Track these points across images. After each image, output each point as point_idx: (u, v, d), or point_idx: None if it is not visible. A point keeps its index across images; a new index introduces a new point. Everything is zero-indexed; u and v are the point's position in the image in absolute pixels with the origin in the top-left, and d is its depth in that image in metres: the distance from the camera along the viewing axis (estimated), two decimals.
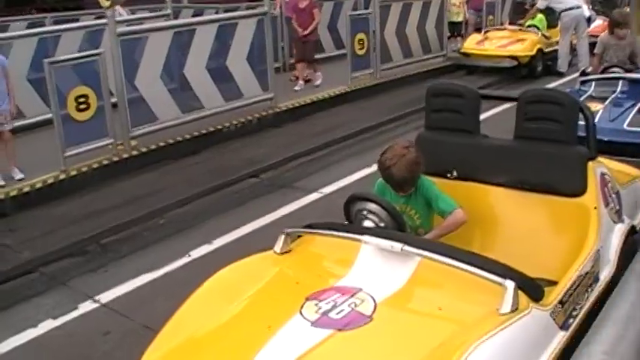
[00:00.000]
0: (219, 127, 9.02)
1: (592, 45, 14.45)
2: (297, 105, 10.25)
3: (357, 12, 13.30)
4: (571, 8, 12.89)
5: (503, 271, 2.87)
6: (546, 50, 13.44)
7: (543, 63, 13.36)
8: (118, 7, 12.68)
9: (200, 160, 8.21)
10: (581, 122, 4.03)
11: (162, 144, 8.31)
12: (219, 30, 9.29)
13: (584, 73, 10.93)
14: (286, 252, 3.41)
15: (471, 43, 13.61)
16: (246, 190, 7.12)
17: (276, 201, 6.67)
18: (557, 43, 13.76)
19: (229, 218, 6.31)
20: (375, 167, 7.26)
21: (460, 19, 15.69)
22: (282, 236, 3.43)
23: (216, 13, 12.35)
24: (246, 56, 9.63)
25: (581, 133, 4.04)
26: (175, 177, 7.57)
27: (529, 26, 13.78)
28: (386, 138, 8.83)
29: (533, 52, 12.96)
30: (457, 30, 15.58)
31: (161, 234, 6.09)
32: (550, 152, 3.91)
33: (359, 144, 8.61)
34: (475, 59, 13.30)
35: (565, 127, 3.89)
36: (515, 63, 12.76)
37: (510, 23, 14.62)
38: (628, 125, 6.33)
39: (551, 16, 13.78)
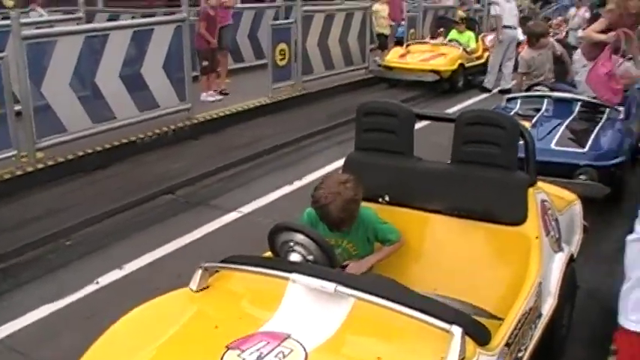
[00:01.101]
0: (133, 138, 8.54)
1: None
2: (215, 116, 9.85)
3: (279, 22, 13.10)
4: (510, 27, 13.12)
5: (449, 315, 2.62)
6: (468, 65, 13.56)
7: (465, 78, 13.48)
8: (37, 7, 12.12)
9: (111, 175, 7.72)
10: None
11: (70, 156, 7.75)
12: (134, 36, 8.83)
13: (502, 92, 11.20)
14: (204, 288, 3.08)
15: (394, 57, 13.55)
16: (160, 209, 6.71)
17: (192, 221, 6.30)
18: (478, 58, 13.99)
19: (142, 239, 5.91)
20: (296, 185, 7.13)
21: (388, 31, 15.70)
22: (199, 271, 3.08)
23: (133, 18, 11.87)
24: (162, 64, 9.20)
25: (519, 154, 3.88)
26: (84, 193, 7.07)
27: (450, 40, 13.96)
28: (308, 152, 8.64)
29: (455, 67, 13.03)
30: (383, 43, 15.53)
31: (67, 257, 5.62)
32: (489, 178, 3.73)
33: (280, 159, 8.35)
34: (397, 73, 13.21)
35: (505, 151, 3.70)
36: (437, 77, 12.79)
37: (432, 37, 14.74)
38: (556, 145, 6.29)
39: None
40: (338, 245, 3.52)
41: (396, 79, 13.27)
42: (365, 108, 4.12)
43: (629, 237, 2.67)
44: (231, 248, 3.38)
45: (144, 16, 12.04)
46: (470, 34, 14.33)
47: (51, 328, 4.48)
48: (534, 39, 8.18)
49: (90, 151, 7.97)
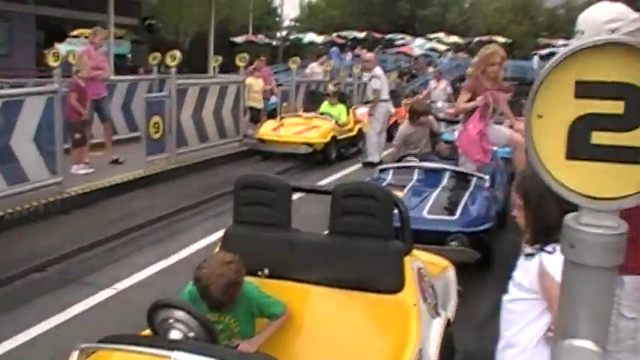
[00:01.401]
0: (1, 213, 8.22)
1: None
2: (88, 190, 9.62)
3: (154, 94, 13.08)
4: (386, 100, 13.72)
5: None
6: (340, 137, 13.96)
7: (337, 150, 13.86)
8: None
9: None
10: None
11: None
12: (3, 107, 8.58)
13: (366, 164, 11.69)
14: None
15: (267, 130, 13.78)
16: (29, 288, 6.43)
17: (65, 299, 6.09)
18: (349, 130, 14.43)
19: (10, 320, 5.64)
20: (172, 259, 7.09)
21: (260, 105, 16.04)
22: (76, 353, 3.01)
23: (1, 88, 11.54)
24: (33, 136, 8.97)
25: (395, 223, 4.05)
26: None
27: (322, 113, 14.29)
28: (184, 226, 8.62)
29: (328, 139, 13.40)
30: (256, 116, 15.81)
31: None
32: (366, 248, 3.86)
33: (155, 233, 8.27)
34: (271, 145, 13.43)
35: (380, 221, 3.86)
36: (310, 150, 13.10)
37: (305, 110, 15.04)
38: (427, 213, 6.59)
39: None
40: (220, 321, 3.54)
41: (270, 151, 13.47)
42: (242, 182, 4.19)
43: (505, 297, 2.89)
44: (108, 327, 3.34)
45: (13, 86, 11.75)
46: (341, 107, 14.71)
47: None
48: (415, 116, 8.63)
49: None
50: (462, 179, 7.44)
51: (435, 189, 7.21)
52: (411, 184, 7.42)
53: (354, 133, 14.66)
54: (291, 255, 4.03)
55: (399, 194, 6.89)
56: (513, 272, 2.83)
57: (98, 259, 7.27)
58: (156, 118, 11.29)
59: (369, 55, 15.06)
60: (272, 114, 16.42)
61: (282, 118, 14.50)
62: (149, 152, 11.12)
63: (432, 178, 7.59)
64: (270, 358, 3.14)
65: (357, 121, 15.00)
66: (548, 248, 2.57)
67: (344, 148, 14.27)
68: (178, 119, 11.98)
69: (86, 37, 19.37)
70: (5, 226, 8.09)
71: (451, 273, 4.92)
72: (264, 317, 3.75)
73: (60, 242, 7.59)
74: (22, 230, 8.12)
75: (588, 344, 1.58)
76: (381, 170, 8.09)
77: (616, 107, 1.52)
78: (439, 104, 17.52)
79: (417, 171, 7.77)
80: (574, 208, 2.52)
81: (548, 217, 2.57)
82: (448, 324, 4.22)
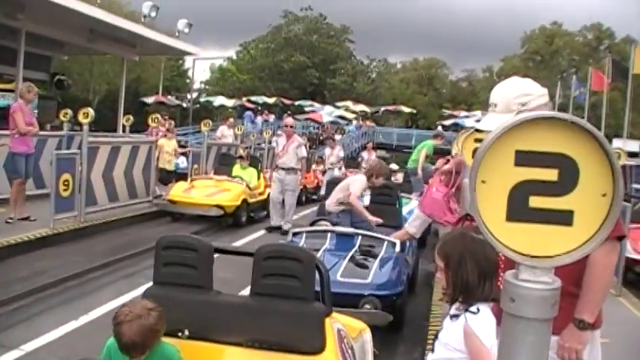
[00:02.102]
0: None
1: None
2: None
3: (65, 151, 12.95)
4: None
5: None
6: (251, 201, 14.06)
7: (247, 213, 13.95)
8: None
9: None
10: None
11: None
12: None
13: (284, 232, 11.84)
14: None
15: (178, 191, 13.65)
16: None
17: None
18: (260, 194, 14.54)
19: None
20: (82, 320, 6.94)
21: (172, 167, 16.01)
22: None
23: None
24: None
25: (316, 288, 4.13)
26: None
27: (234, 177, 14.37)
28: (93, 286, 8.45)
29: (239, 202, 13.47)
30: (165, 177, 15.76)
31: None
32: (288, 309, 3.93)
33: (64, 293, 8.03)
34: (182, 207, 13.34)
35: (302, 283, 3.95)
36: (221, 212, 13.11)
37: (216, 173, 15.08)
38: (341, 276, 6.74)
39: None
40: None
41: (181, 213, 13.43)
42: (164, 242, 4.20)
43: (430, 356, 3.04)
44: None
45: None
46: (252, 170, 14.86)
47: None
48: (374, 177, 8.89)
49: None
50: (373, 243, 7.67)
51: (348, 252, 7.40)
52: (324, 248, 7.58)
53: (264, 196, 14.64)
54: (213, 316, 4.04)
55: None
56: (439, 332, 3.00)
57: (4, 319, 7.01)
58: (66, 176, 11.13)
59: (290, 120, 14.81)
60: (181, 177, 16.38)
61: (193, 180, 14.45)
62: (57, 210, 10.90)
63: (344, 242, 7.81)
64: None
65: (267, 185, 15.03)
66: (473, 309, 2.75)
67: (254, 211, 14.37)
68: (89, 177, 11.85)
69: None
70: None
71: (367, 335, 5.02)
72: None
73: None
74: None
75: None
76: (294, 234, 8.22)
77: (551, 174, 1.75)
78: (335, 171, 18.28)
79: (329, 235, 7.96)
80: (492, 269, 2.77)
81: (467, 276, 2.78)
82: None
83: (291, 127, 13.99)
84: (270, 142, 19.34)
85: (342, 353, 3.99)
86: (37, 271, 8.70)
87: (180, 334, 3.99)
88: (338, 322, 4.23)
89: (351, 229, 8.08)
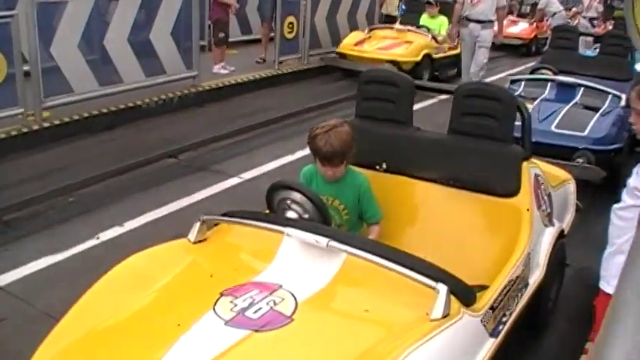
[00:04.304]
0: (139, 102, 8.61)
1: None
2: (220, 85, 9.91)
3: None
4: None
5: (436, 273, 2.72)
6: (436, 56, 11.72)
7: (432, 71, 11.58)
8: None
9: (116, 137, 7.79)
10: (517, 122, 3.94)
11: (76, 117, 7.82)
12: (143, 1, 8.85)
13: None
14: (201, 241, 3.18)
15: (350, 42, 11.80)
16: (162, 171, 6.77)
17: (193, 184, 6.37)
18: (450, 49, 12.11)
19: (143, 200, 5.98)
20: (298, 155, 7.19)
21: (396, 13, 15.33)
22: (198, 224, 3.19)
23: None
24: (170, 31, 9.25)
25: (515, 134, 3.94)
26: (88, 153, 7.14)
27: (419, 27, 12.15)
28: (310, 125, 8.59)
29: (419, 58, 11.20)
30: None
31: (69, 213, 5.69)
32: (485, 149, 3.78)
33: (282, 130, 8.39)
34: (351, 62, 11.28)
35: (501, 125, 3.77)
36: (394, 69, 10.78)
37: (401, 22, 12.97)
38: (556, 127, 6.38)
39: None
40: (330, 204, 3.56)
41: (349, 69, 11.01)
42: (366, 76, 4.18)
43: (616, 205, 2.77)
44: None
45: None
46: (443, 19, 12.13)
47: (50, 279, 4.57)
48: None
49: (96, 112, 8.05)
50: (596, 96, 7.05)
51: (567, 104, 6.93)
52: (542, 97, 7.14)
53: (456, 51, 11.89)
54: (410, 151, 4.00)
55: (529, 106, 6.67)
56: (627, 179, 2.70)
57: (228, 150, 7.50)
58: (290, 18, 11.36)
59: None
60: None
61: (371, 29, 12.38)
62: (282, 52, 11.25)
63: (565, 93, 7.28)
64: (379, 244, 3.17)
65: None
66: None
67: (440, 69, 11.87)
68: (312, 20, 11.97)
69: None
70: (142, 114, 8.52)
71: (571, 186, 4.75)
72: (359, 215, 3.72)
73: (192, 132, 7.88)
74: (158, 120, 8.51)
75: None
76: (512, 81, 7.84)
77: None
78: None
79: (550, 84, 7.46)
80: None
81: None
82: (562, 235, 4.13)
83: None
84: None
85: (536, 198, 3.80)
86: (259, 108, 9.13)
87: (377, 167, 4.02)
88: (537, 167, 4.00)
89: (572, 79, 7.44)
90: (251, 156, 7.29)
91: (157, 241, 3.22)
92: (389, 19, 14.86)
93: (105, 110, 8.17)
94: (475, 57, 10.53)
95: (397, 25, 12.41)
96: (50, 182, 6.17)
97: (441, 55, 11.86)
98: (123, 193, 6.16)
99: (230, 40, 11.37)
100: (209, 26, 11.77)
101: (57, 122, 7.62)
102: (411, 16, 12.97)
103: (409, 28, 12.02)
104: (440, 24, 12.12)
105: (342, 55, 11.66)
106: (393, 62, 10.67)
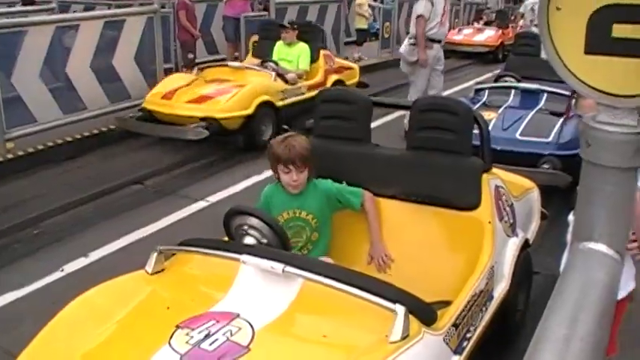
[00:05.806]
0: (104, 129, 8.54)
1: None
2: None
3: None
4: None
5: (393, 294, 2.70)
6: (281, 103, 8.42)
7: (276, 125, 8.28)
8: None
9: (81, 165, 7.71)
10: (476, 131, 3.95)
11: (40, 147, 7.74)
12: (105, 27, 8.80)
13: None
14: (159, 272, 3.14)
15: (158, 92, 8.36)
16: (128, 198, 6.72)
17: (160, 210, 6.33)
18: (310, 88, 8.90)
19: (109, 228, 5.92)
20: (266, 174, 7.11)
21: (366, 25, 15.54)
22: (155, 254, 3.15)
23: (109, 8, 11.78)
24: (134, 56, 9.21)
25: (475, 142, 3.95)
26: (54, 183, 7.06)
27: (267, 61, 9.00)
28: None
29: (249, 111, 7.86)
30: (361, 38, 15.39)
31: (34, 246, 5.63)
32: (444, 163, 3.78)
33: (249, 151, 8.29)
34: (149, 125, 8.13)
35: (459, 137, 3.76)
36: (204, 133, 7.53)
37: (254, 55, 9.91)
38: (520, 134, 6.40)
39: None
40: (296, 217, 3.58)
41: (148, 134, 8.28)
42: (323, 95, 4.20)
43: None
44: (196, 235, 3.41)
45: (119, 6, 11.99)
46: (303, 47, 9.22)
47: (13, 316, 4.48)
48: None
49: (60, 141, 7.98)
50: (561, 101, 7.10)
51: (531, 110, 6.99)
52: (506, 105, 7.18)
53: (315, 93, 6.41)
54: (369, 168, 4.00)
55: (493, 115, 6.70)
56: None
57: (194, 174, 7.47)
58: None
59: None
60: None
61: (202, 69, 9.02)
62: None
63: (529, 99, 7.34)
64: (336, 267, 3.15)
65: (333, 70, 9.74)
66: None
67: (292, 119, 8.48)
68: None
69: None
70: (108, 141, 8.43)
71: (534, 194, 4.72)
72: (345, 207, 3.79)
73: (158, 157, 7.86)
74: (123, 145, 8.42)
75: (602, 247, 1.48)
76: (477, 90, 7.88)
77: None
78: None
79: (513, 91, 7.51)
80: None
81: None
82: (526, 245, 4.12)
83: None
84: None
85: (498, 210, 3.80)
86: None
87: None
88: (497, 178, 3.99)
89: (535, 85, 7.49)
90: (218, 179, 7.27)
91: (122, 271, 3.20)
92: (359, 34, 14.90)
93: (69, 139, 8.10)
94: (435, 83, 9.06)
95: (232, 63, 9.38)
96: (15, 215, 6.11)
97: (293, 99, 8.64)
98: (88, 222, 6.11)
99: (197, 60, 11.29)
100: (175, 50, 11.74)
101: (21, 153, 7.54)
102: (265, 44, 9.70)
103: (248, 65, 9.09)
104: (298, 55, 9.16)
105: (149, 112, 8.24)
106: (209, 120, 7.61)
